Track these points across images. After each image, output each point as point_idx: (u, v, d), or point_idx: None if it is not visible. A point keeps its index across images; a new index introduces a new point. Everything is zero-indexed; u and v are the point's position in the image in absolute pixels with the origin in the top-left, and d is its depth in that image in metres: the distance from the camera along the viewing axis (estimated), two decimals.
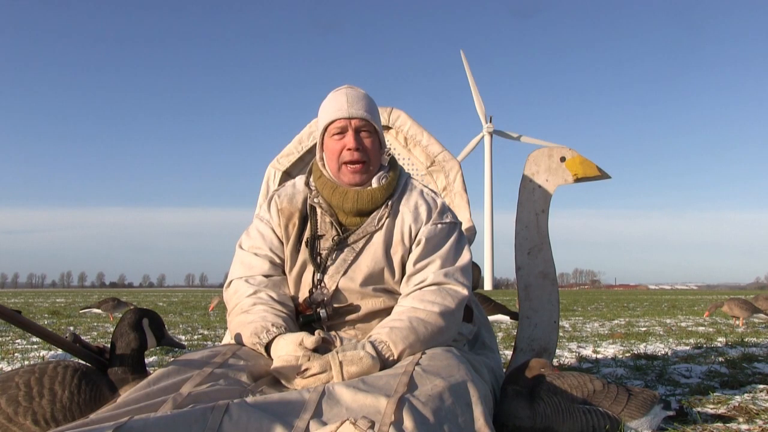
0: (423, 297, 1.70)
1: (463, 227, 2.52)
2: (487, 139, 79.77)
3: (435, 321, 1.66)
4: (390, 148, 1.89)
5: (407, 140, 2.70)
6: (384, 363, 1.56)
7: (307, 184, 1.89)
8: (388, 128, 2.75)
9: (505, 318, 5.14)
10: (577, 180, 2.41)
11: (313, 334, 1.60)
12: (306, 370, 1.50)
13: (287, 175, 2.70)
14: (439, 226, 1.81)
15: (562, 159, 2.42)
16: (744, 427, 1.86)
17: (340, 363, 1.50)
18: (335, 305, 1.76)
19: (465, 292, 1.75)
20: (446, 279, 1.74)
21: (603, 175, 2.41)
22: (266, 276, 1.81)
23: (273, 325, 1.65)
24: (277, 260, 1.85)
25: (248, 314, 1.71)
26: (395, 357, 1.58)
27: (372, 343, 1.57)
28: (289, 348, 1.57)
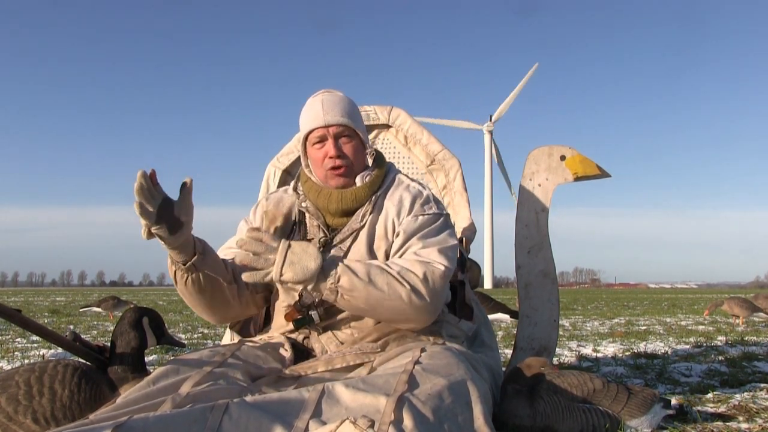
0: (393, 259, 1.69)
1: (463, 225, 2.52)
2: (487, 137, 79.62)
3: (394, 275, 1.59)
4: (372, 147, 1.89)
5: (407, 139, 2.70)
6: (326, 276, 1.57)
7: (295, 189, 1.91)
8: (387, 127, 2.75)
9: (505, 317, 5.14)
10: (577, 179, 2.41)
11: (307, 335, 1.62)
12: (256, 229, 1.59)
13: (287, 173, 2.71)
14: (420, 217, 1.76)
15: (562, 158, 2.42)
16: (744, 425, 1.86)
17: (289, 245, 1.56)
18: (327, 306, 1.73)
19: (441, 267, 1.65)
20: (421, 257, 1.67)
21: (603, 174, 2.41)
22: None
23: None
24: None
25: None
26: (338, 272, 1.57)
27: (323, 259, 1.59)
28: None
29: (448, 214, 1.85)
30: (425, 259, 1.66)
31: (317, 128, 1.78)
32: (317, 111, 1.78)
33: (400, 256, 1.72)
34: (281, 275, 1.53)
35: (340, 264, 1.59)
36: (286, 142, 2.75)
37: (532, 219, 2.45)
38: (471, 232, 2.51)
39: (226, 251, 1.88)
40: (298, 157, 2.69)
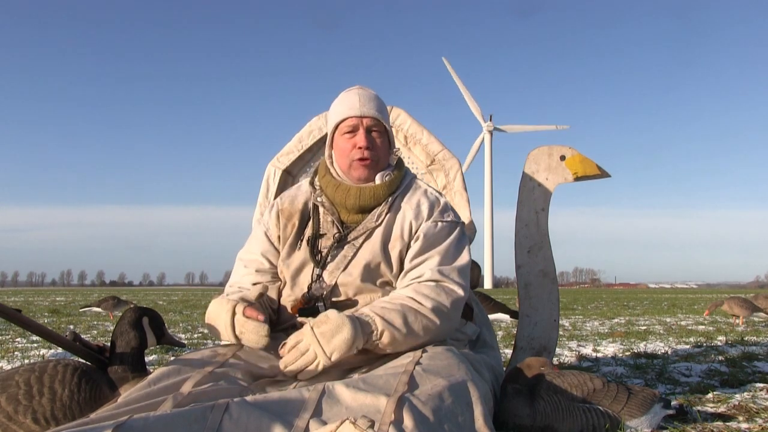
0: (419, 290, 1.70)
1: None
2: (487, 138, 79.63)
3: (427, 314, 1.65)
4: (398, 149, 1.91)
5: (407, 139, 2.70)
6: (366, 335, 1.57)
7: (311, 183, 1.92)
8: None
9: (505, 317, 5.13)
10: (577, 178, 2.41)
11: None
12: (284, 345, 1.56)
13: (287, 173, 2.70)
14: (440, 224, 1.81)
15: (562, 157, 2.42)
16: (744, 425, 1.86)
17: (312, 327, 1.54)
18: (333, 299, 1.76)
19: (461, 292, 1.73)
20: (442, 277, 1.73)
21: (603, 174, 2.41)
22: (254, 284, 1.84)
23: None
24: (267, 264, 1.88)
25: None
26: (378, 330, 1.58)
27: (353, 315, 1.60)
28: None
29: (463, 223, 1.89)
30: (447, 282, 1.72)
31: (352, 117, 1.81)
32: (353, 102, 1.82)
33: (419, 264, 1.75)
34: (330, 358, 1.53)
35: (377, 318, 1.60)
36: (286, 142, 2.75)
37: (532, 218, 2.45)
38: (471, 231, 2.52)
39: (250, 258, 1.90)
40: (299, 157, 2.69)
